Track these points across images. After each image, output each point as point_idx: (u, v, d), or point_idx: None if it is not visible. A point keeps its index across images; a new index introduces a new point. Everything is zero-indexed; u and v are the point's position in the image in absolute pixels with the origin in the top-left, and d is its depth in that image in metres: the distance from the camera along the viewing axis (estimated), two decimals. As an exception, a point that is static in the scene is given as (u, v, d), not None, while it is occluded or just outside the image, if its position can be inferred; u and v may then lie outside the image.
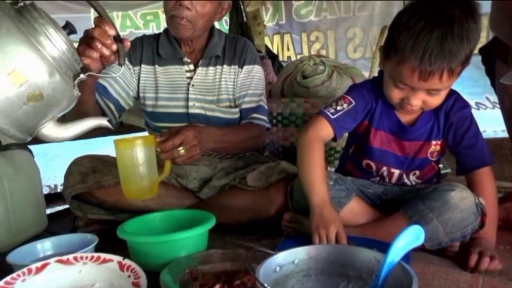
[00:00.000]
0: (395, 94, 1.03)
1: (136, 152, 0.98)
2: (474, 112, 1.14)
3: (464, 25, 0.92)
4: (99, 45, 0.87)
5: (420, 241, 0.66)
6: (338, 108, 1.11)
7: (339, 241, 0.88)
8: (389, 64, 1.02)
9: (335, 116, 1.09)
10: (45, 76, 0.72)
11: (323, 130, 1.09)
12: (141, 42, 1.39)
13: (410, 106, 1.02)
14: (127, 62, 1.35)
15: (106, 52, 0.88)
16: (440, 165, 1.24)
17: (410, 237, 0.65)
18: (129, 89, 1.35)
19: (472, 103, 2.92)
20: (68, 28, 0.79)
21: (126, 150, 0.99)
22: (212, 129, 1.24)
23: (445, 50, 0.91)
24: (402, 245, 0.65)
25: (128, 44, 0.92)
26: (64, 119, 0.84)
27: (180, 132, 1.08)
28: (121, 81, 1.31)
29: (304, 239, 1.03)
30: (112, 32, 0.87)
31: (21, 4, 0.73)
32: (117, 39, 0.89)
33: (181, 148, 1.07)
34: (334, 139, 1.12)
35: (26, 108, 0.72)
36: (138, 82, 1.38)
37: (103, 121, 0.89)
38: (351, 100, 1.12)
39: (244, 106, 1.39)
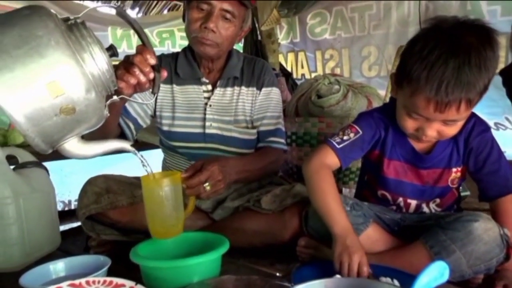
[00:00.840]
0: (409, 124, 0.99)
1: (165, 192, 0.96)
2: (493, 132, 1.09)
3: (482, 53, 0.88)
4: (137, 72, 0.88)
5: (444, 278, 0.64)
6: (345, 137, 1.09)
7: (361, 273, 0.85)
8: (402, 94, 0.99)
9: (341, 146, 1.07)
10: (82, 91, 0.73)
11: (328, 159, 1.07)
12: (159, 61, 1.40)
13: (425, 137, 0.98)
14: None
15: (143, 79, 0.89)
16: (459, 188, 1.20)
17: (434, 273, 0.63)
18: (147, 108, 1.36)
19: (491, 123, 2.85)
20: (111, 50, 0.82)
21: (154, 190, 0.97)
22: (233, 161, 1.24)
23: (462, 81, 0.87)
24: (426, 281, 0.63)
25: (165, 74, 0.94)
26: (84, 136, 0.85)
27: (205, 167, 1.08)
28: (140, 99, 1.33)
29: (320, 265, 1.01)
30: (152, 61, 0.89)
31: (72, 21, 0.76)
32: (156, 68, 0.90)
33: (207, 184, 1.07)
34: (340, 168, 1.10)
35: (56, 120, 0.73)
36: (155, 101, 1.38)
37: (126, 145, 0.89)
38: (358, 129, 1.09)
39: (262, 128, 1.39)
